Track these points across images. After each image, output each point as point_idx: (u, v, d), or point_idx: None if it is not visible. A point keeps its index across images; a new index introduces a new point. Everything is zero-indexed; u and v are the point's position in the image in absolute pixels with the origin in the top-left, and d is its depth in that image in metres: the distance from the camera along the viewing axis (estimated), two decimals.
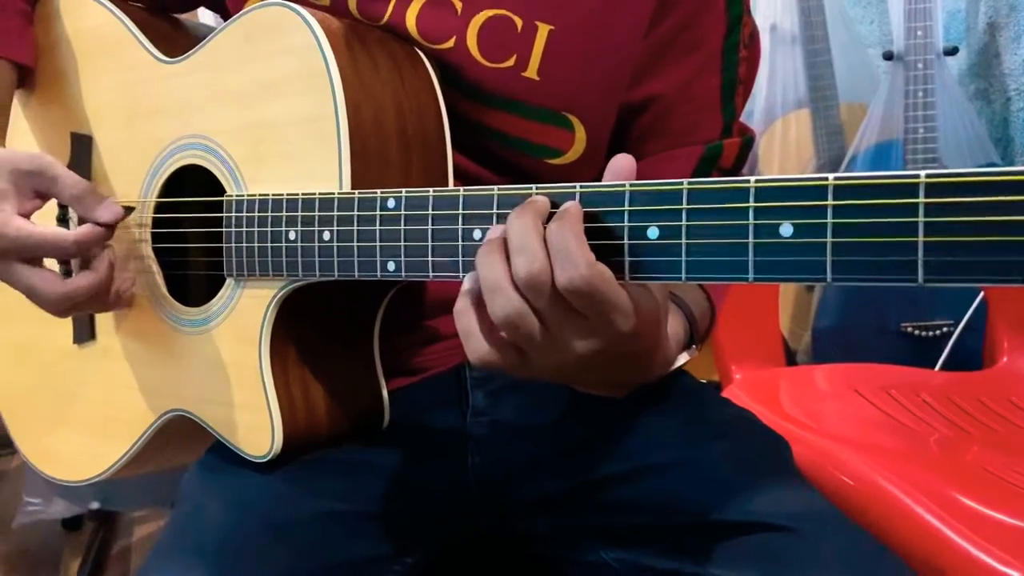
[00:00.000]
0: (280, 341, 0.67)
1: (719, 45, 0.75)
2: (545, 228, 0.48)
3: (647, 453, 0.68)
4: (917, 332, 1.69)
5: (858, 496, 0.99)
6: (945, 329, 1.66)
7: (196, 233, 0.73)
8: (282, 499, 0.67)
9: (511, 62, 0.71)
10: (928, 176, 0.38)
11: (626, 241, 0.47)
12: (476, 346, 0.50)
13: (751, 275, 0.43)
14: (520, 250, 0.47)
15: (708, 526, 0.61)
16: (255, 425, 0.67)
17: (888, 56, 1.75)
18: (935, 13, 1.69)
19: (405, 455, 0.72)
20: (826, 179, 0.41)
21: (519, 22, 0.71)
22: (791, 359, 1.83)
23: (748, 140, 0.78)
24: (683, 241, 0.45)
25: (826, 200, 0.41)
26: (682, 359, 0.65)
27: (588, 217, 0.48)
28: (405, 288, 0.71)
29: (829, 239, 0.41)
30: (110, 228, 0.69)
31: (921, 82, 1.70)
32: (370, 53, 0.66)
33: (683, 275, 0.45)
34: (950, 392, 1.23)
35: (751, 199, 0.43)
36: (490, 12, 0.71)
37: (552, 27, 0.71)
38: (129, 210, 0.73)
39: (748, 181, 0.43)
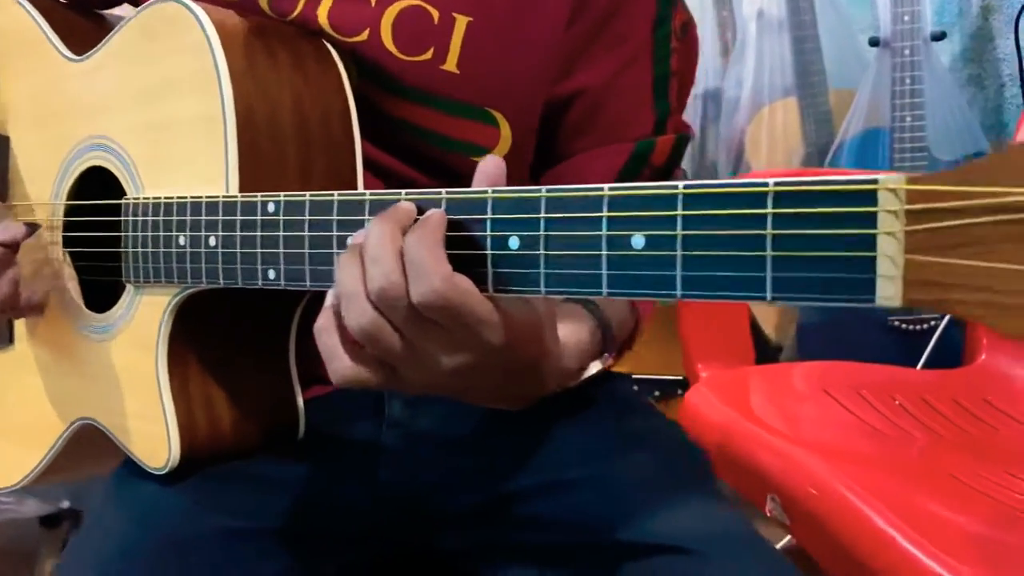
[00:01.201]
0: (179, 349, 0.65)
1: (648, 37, 0.72)
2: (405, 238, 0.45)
3: (563, 467, 0.65)
4: (904, 326, 1.65)
5: (818, 505, 0.96)
6: (932, 323, 1.62)
7: (102, 237, 0.71)
8: (187, 515, 0.65)
9: (428, 55, 0.68)
10: (776, 184, 0.35)
11: (488, 251, 0.44)
12: (338, 366, 0.48)
13: (605, 290, 0.40)
14: (374, 260, 0.45)
15: (613, 547, 0.58)
16: (153, 435, 0.65)
17: (874, 42, 1.70)
18: None
19: (318, 468, 0.70)
20: (676, 187, 0.38)
21: (435, 13, 0.68)
22: (775, 354, 1.79)
23: (682, 137, 0.75)
24: (541, 252, 0.42)
25: (676, 210, 0.38)
26: (594, 368, 0.63)
27: (453, 225, 0.46)
28: (323, 293, 0.68)
29: (679, 252, 0.38)
30: (11, 248, 0.68)
31: (908, 68, 1.65)
32: (270, 51, 0.64)
33: (542, 288, 0.42)
34: (924, 392, 1.19)
35: (605, 208, 0.40)
36: (405, 3, 0.68)
37: (470, 19, 0.68)
38: (33, 227, 0.72)
39: (602, 189, 0.40)
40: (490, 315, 0.45)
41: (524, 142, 0.72)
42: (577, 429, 0.68)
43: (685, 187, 0.38)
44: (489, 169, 0.47)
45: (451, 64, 0.69)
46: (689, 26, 0.76)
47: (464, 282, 0.44)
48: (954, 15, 1.86)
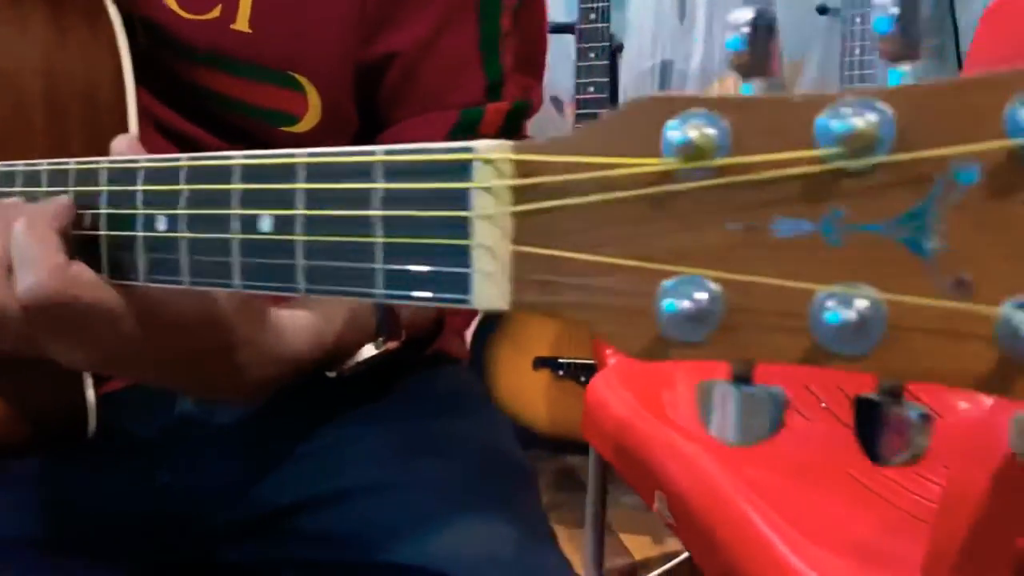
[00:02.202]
0: None
1: None
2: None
3: (354, 473, 0.59)
4: None
5: (700, 503, 0.89)
6: None
7: None
8: None
9: (216, 13, 0.61)
10: (387, 153, 0.28)
11: (140, 233, 0.37)
12: None
13: (237, 281, 0.33)
14: None
15: (377, 568, 0.52)
16: None
17: (823, 10, 1.61)
18: None
19: (97, 469, 0.63)
20: (294, 155, 0.30)
21: None
22: None
23: (520, 105, 0.67)
24: (184, 234, 0.35)
25: (297, 184, 0.30)
26: (366, 352, 0.56)
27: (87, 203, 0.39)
28: None
29: (301, 237, 0.30)
30: None
31: (858, 38, 1.56)
32: (20, 11, 0.57)
33: (185, 277, 0.35)
34: (841, 379, 1.11)
35: (236, 179, 0.33)
36: None
37: None
38: None
39: (232, 157, 0.33)
40: (111, 304, 0.39)
41: (338, 111, 0.65)
42: (381, 427, 0.61)
43: (309, 155, 0.30)
44: (119, 150, 0.40)
45: (242, 23, 0.61)
46: None
47: (80, 272, 0.38)
48: None
